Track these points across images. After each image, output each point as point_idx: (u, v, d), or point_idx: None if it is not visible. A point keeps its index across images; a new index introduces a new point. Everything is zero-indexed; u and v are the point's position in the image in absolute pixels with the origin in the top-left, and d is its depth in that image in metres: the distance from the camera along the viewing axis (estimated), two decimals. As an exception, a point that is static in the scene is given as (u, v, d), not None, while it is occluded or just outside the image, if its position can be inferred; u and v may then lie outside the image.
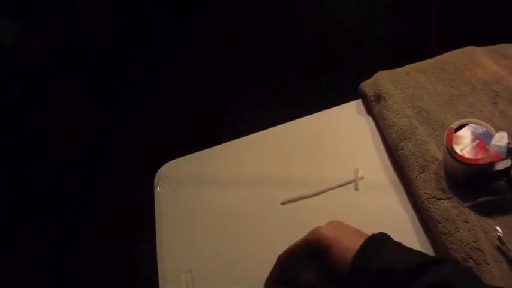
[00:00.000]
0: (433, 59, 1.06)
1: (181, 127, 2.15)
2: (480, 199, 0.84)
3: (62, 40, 2.25)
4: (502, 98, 0.96)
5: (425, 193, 0.85)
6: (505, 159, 0.82)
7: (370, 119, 1.04)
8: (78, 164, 2.15)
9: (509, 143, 0.82)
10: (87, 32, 2.38)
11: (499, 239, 0.80)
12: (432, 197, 0.85)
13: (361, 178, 0.94)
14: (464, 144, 0.84)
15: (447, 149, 0.84)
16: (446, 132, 0.86)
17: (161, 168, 1.05)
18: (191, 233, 0.95)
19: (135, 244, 1.81)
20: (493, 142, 0.83)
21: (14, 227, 1.93)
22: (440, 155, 0.89)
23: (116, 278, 1.89)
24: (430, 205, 0.84)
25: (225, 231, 0.94)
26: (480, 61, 1.02)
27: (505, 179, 0.85)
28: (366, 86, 1.05)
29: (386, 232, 0.85)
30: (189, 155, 1.07)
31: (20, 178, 2.01)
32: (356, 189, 0.94)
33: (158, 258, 0.92)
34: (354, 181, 0.94)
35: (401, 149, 0.91)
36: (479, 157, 0.83)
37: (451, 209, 0.82)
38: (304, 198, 0.94)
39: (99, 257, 1.96)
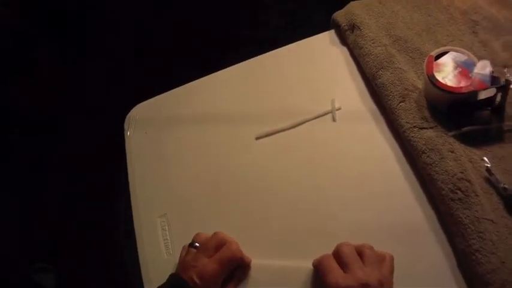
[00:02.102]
0: (407, -11, 0.95)
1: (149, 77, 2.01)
2: (465, 128, 0.75)
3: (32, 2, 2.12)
4: (481, 28, 0.87)
5: (406, 122, 0.76)
6: (489, 88, 0.74)
7: (344, 49, 0.93)
8: (51, 120, 2.04)
9: (492, 72, 0.74)
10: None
11: (487, 169, 0.72)
12: (414, 126, 0.75)
13: (339, 109, 0.85)
14: (446, 72, 0.76)
15: (428, 77, 0.75)
16: (426, 60, 0.77)
17: (130, 112, 0.95)
18: (165, 176, 0.86)
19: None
20: (476, 70, 0.75)
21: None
22: (420, 84, 0.80)
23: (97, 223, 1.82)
24: (413, 134, 0.75)
25: (199, 172, 0.85)
26: (458, -10, 0.92)
27: (490, 108, 0.78)
28: (339, 16, 0.94)
29: (369, 165, 0.78)
30: (158, 96, 0.97)
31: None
32: (334, 120, 0.84)
33: (132, 204, 0.83)
34: (331, 112, 0.85)
35: (379, 78, 0.81)
36: (462, 85, 0.74)
37: (435, 138, 0.73)
38: (279, 132, 0.85)
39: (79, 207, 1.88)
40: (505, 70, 0.75)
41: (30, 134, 1.99)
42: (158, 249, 0.77)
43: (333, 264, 0.63)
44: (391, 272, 0.64)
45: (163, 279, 0.72)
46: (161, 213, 0.80)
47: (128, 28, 2.29)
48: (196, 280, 0.63)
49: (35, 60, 2.10)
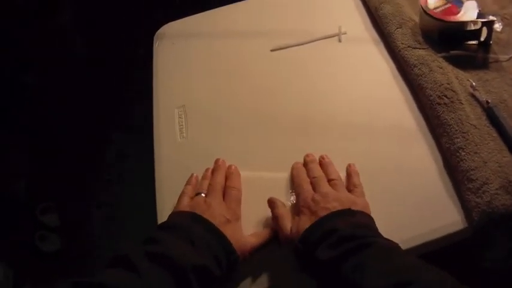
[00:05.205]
0: None
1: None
2: (453, 52, 0.81)
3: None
4: None
5: (402, 43, 0.82)
6: (475, 21, 0.80)
7: None
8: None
9: (479, 10, 0.80)
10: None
11: (472, 86, 0.76)
12: (408, 46, 0.81)
13: (344, 33, 0.91)
14: (438, 6, 0.82)
15: (421, 7, 0.82)
16: (421, -4, 0.83)
17: (160, 29, 1.02)
18: (186, 77, 0.92)
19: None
20: (464, 6, 0.82)
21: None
22: (416, 18, 0.86)
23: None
24: (407, 53, 0.80)
25: (218, 76, 0.91)
26: None
27: (477, 42, 0.83)
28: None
29: (365, 80, 0.84)
30: (186, 18, 1.04)
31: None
32: (339, 41, 0.91)
33: (154, 96, 0.89)
34: (338, 35, 0.92)
35: (381, 10, 0.88)
36: (451, 16, 0.81)
37: (426, 56, 0.79)
38: (292, 46, 0.92)
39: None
40: (493, 15, 0.80)
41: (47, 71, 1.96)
42: (173, 132, 0.83)
43: (306, 186, 0.67)
44: (362, 195, 0.67)
45: (174, 158, 0.78)
46: (179, 105, 0.86)
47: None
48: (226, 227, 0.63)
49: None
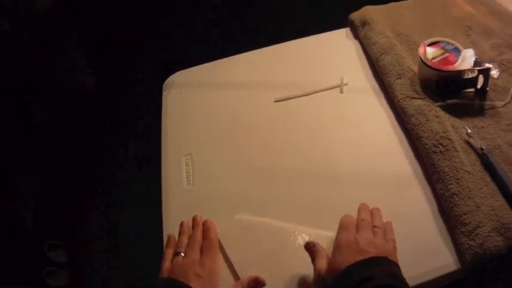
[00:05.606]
0: (415, -1, 1.09)
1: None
2: (450, 100, 0.85)
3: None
4: (474, 32, 0.97)
5: (400, 94, 0.87)
6: (472, 69, 0.84)
7: (356, 42, 1.06)
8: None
9: (476, 58, 0.84)
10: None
11: (467, 133, 0.80)
12: (407, 97, 0.86)
13: (346, 84, 0.96)
14: (436, 55, 0.88)
15: (420, 57, 0.87)
16: (420, 46, 0.88)
17: (169, 77, 1.08)
18: (193, 126, 0.97)
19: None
20: (461, 55, 0.86)
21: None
22: (415, 68, 0.90)
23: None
24: (405, 103, 0.85)
25: (224, 125, 0.96)
26: (457, 2, 1.04)
27: (473, 90, 0.87)
28: (354, 15, 1.08)
29: (365, 129, 0.89)
30: (194, 67, 1.10)
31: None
32: (341, 92, 0.96)
33: (162, 143, 0.95)
34: (340, 86, 0.97)
35: (382, 61, 0.93)
36: (448, 66, 0.85)
37: (423, 106, 0.84)
38: (295, 97, 0.97)
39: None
40: (490, 62, 0.84)
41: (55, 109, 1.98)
42: (180, 179, 0.87)
43: (351, 228, 0.70)
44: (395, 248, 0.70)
45: (181, 205, 0.82)
46: (187, 152, 0.91)
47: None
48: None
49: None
